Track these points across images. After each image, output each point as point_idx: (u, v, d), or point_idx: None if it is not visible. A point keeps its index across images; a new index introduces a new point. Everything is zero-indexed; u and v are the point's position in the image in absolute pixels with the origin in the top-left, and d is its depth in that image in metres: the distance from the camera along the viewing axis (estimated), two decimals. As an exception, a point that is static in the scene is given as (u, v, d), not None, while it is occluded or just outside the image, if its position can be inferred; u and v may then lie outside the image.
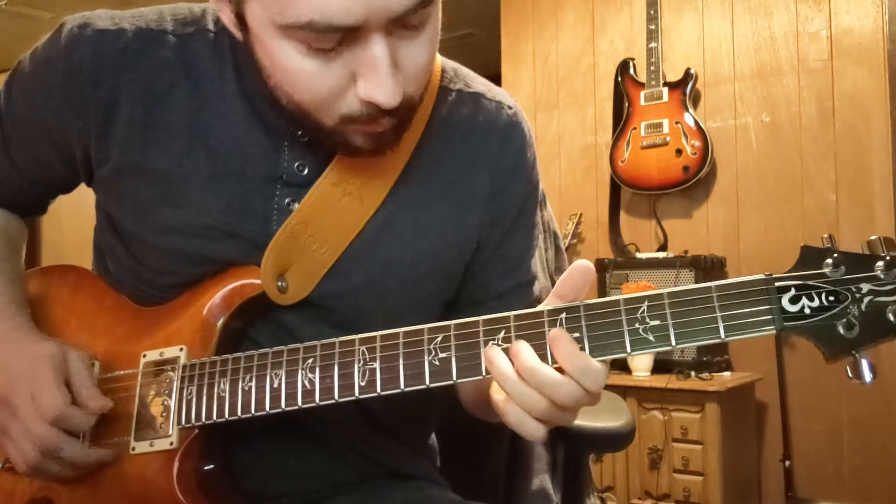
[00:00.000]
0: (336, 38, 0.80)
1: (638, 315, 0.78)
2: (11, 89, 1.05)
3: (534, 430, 0.81)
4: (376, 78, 0.81)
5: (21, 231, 1.16)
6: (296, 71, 0.83)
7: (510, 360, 0.80)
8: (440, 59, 1.06)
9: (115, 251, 1.05)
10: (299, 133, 0.97)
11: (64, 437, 0.93)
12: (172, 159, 0.97)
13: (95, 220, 1.10)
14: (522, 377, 0.79)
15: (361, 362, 0.87)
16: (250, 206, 0.97)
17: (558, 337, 0.79)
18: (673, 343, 0.76)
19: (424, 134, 1.01)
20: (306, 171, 0.98)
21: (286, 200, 0.98)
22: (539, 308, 0.82)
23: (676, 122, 3.61)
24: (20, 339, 1.00)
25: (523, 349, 0.80)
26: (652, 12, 3.72)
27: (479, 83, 1.09)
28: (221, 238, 0.97)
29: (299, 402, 0.89)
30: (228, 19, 0.89)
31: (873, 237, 0.74)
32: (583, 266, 0.81)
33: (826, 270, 0.74)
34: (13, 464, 0.96)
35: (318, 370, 0.89)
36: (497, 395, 0.84)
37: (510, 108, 1.08)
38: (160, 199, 0.97)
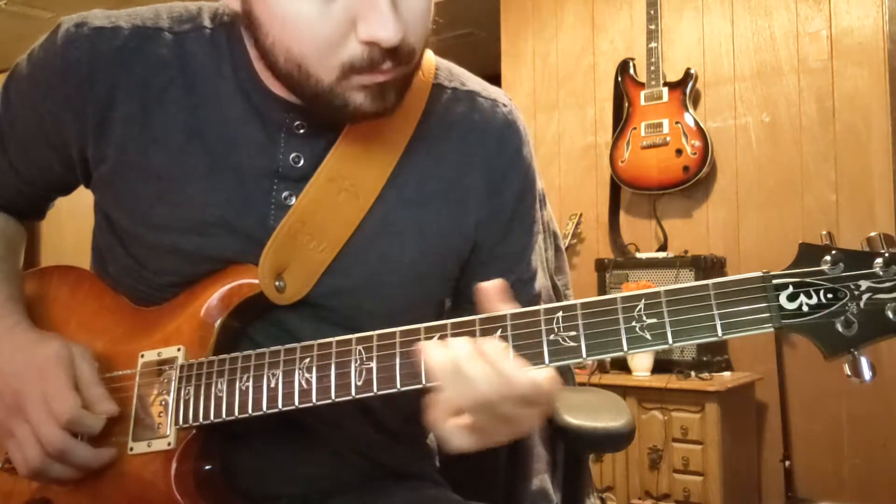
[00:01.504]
0: None
1: (635, 313, 0.78)
2: (9, 91, 1.06)
3: (459, 441, 0.81)
4: (377, 16, 0.82)
5: (20, 233, 1.16)
6: (295, 18, 0.84)
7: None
8: (434, 58, 1.06)
9: (113, 251, 1.05)
10: (296, 125, 0.97)
11: (73, 440, 0.94)
12: (170, 157, 0.97)
13: (94, 221, 1.10)
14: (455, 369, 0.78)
15: (358, 362, 0.87)
16: (248, 201, 0.97)
17: (489, 345, 0.78)
18: (670, 341, 0.76)
19: (419, 130, 1.01)
20: (302, 163, 0.98)
21: (283, 195, 0.98)
22: (536, 307, 0.82)
23: (676, 122, 3.60)
24: (20, 336, 1.00)
25: (458, 345, 0.79)
26: (652, 12, 3.71)
27: (474, 82, 1.09)
28: (220, 235, 0.97)
29: (296, 402, 0.89)
30: (209, 14, 0.89)
31: (873, 234, 0.73)
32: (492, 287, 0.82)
33: (824, 268, 0.74)
34: (15, 465, 0.96)
35: (314, 370, 0.89)
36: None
37: (505, 105, 1.08)
38: (158, 197, 0.97)
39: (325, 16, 0.83)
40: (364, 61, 0.85)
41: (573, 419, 1.34)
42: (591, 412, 1.37)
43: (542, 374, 0.78)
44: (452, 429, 0.80)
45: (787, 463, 3.37)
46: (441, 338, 0.84)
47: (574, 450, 1.44)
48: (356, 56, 0.85)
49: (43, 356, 0.96)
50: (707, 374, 3.25)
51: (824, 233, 0.76)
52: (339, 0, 0.82)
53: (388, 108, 0.91)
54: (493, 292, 0.83)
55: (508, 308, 0.83)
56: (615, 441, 1.41)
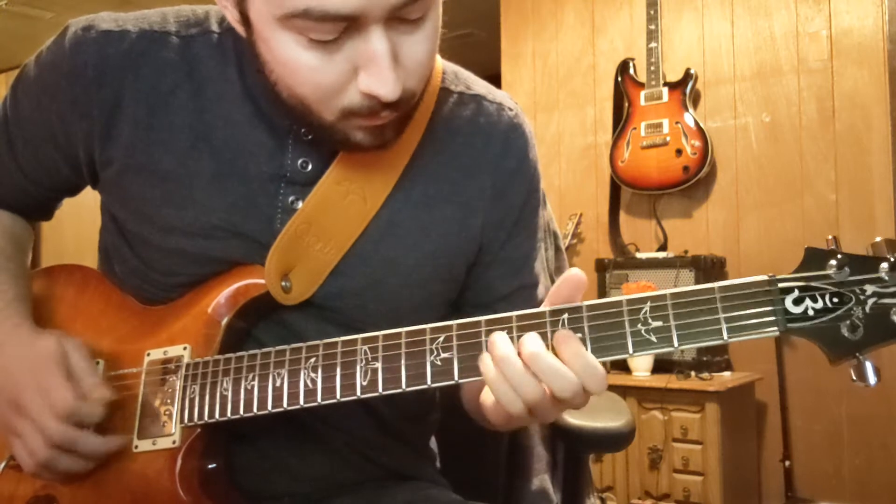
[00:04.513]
0: (336, 30, 0.80)
1: (640, 316, 0.78)
2: (17, 93, 1.06)
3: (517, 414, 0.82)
4: (378, 71, 0.82)
5: (27, 232, 1.17)
6: (297, 64, 0.84)
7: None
8: (441, 62, 1.06)
9: (120, 252, 1.06)
10: (303, 131, 0.98)
11: (78, 430, 0.94)
12: (176, 160, 0.97)
13: (100, 222, 1.10)
14: (525, 362, 0.78)
15: (364, 362, 0.87)
16: (255, 205, 0.97)
17: (565, 337, 0.78)
18: (675, 344, 0.76)
19: (426, 134, 1.02)
20: (310, 168, 0.98)
21: (290, 199, 0.98)
22: (541, 308, 0.82)
23: (676, 122, 3.61)
24: (21, 337, 1.00)
25: (529, 336, 0.80)
26: (652, 12, 3.72)
27: (480, 85, 1.09)
28: (226, 238, 0.98)
29: (301, 402, 0.89)
30: (232, 17, 0.90)
31: (878, 239, 0.73)
32: (574, 278, 0.81)
33: (830, 272, 0.74)
34: (20, 462, 0.96)
35: (320, 370, 0.89)
36: (487, 395, 0.85)
37: (511, 109, 1.08)
38: (164, 199, 0.98)
39: (327, 65, 0.83)
40: (363, 109, 0.86)
41: (573, 419, 1.34)
42: (591, 412, 1.37)
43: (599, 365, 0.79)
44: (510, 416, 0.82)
45: (787, 463, 3.37)
46: (447, 339, 0.85)
47: (574, 450, 1.44)
48: (355, 103, 0.86)
49: (36, 353, 0.97)
50: (707, 374, 3.25)
51: (830, 237, 0.76)
52: (342, 51, 0.83)
53: (386, 143, 0.92)
54: (572, 282, 0.82)
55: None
56: (615, 441, 1.41)
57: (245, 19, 0.87)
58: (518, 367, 0.79)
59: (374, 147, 0.92)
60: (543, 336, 0.80)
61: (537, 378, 0.78)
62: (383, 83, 0.82)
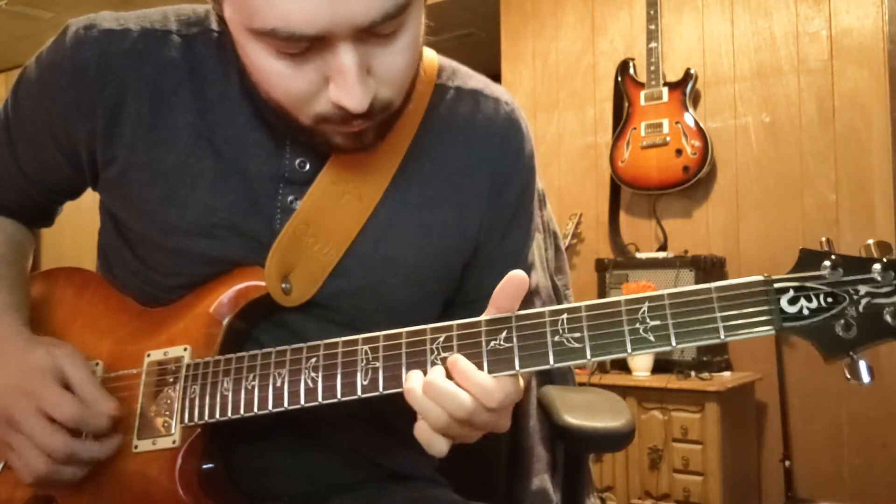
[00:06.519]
0: (302, 46, 0.80)
1: (639, 315, 0.79)
2: (18, 95, 1.06)
3: (439, 447, 0.84)
4: (344, 83, 0.82)
5: (28, 238, 1.17)
6: (269, 72, 0.84)
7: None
8: (438, 58, 1.06)
9: (120, 253, 1.06)
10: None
11: (78, 441, 0.93)
12: (178, 159, 0.97)
13: (99, 224, 1.10)
14: (424, 391, 0.82)
15: (364, 362, 0.87)
16: (255, 204, 0.98)
17: (453, 361, 0.83)
18: (673, 343, 0.77)
19: (422, 131, 1.02)
20: (308, 168, 0.99)
21: (289, 199, 0.98)
22: (541, 309, 0.83)
23: (676, 122, 3.61)
24: (13, 348, 0.99)
25: (435, 370, 0.84)
26: (652, 12, 3.72)
27: (477, 80, 1.10)
28: (227, 237, 0.98)
29: (302, 402, 0.89)
30: (215, 19, 0.90)
31: (869, 241, 0.75)
32: (517, 278, 0.83)
33: (824, 272, 0.75)
34: (18, 475, 0.96)
35: (321, 369, 0.89)
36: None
37: (507, 104, 1.08)
38: (166, 198, 0.98)
39: (297, 74, 0.83)
40: (335, 117, 0.86)
41: (573, 419, 1.34)
42: (591, 412, 1.37)
43: (508, 381, 0.83)
44: (430, 439, 0.84)
45: (787, 463, 3.37)
46: (447, 339, 0.85)
47: (574, 450, 1.44)
48: (327, 111, 0.86)
49: (24, 369, 0.95)
50: (707, 374, 3.25)
51: (824, 239, 0.77)
52: (311, 62, 0.83)
53: (367, 146, 0.93)
54: (511, 288, 0.84)
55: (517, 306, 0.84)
56: (615, 441, 1.41)
57: (224, 23, 0.88)
58: (419, 395, 0.83)
59: (354, 150, 0.93)
60: (541, 335, 0.81)
61: (436, 403, 0.82)
62: (350, 96, 0.82)
